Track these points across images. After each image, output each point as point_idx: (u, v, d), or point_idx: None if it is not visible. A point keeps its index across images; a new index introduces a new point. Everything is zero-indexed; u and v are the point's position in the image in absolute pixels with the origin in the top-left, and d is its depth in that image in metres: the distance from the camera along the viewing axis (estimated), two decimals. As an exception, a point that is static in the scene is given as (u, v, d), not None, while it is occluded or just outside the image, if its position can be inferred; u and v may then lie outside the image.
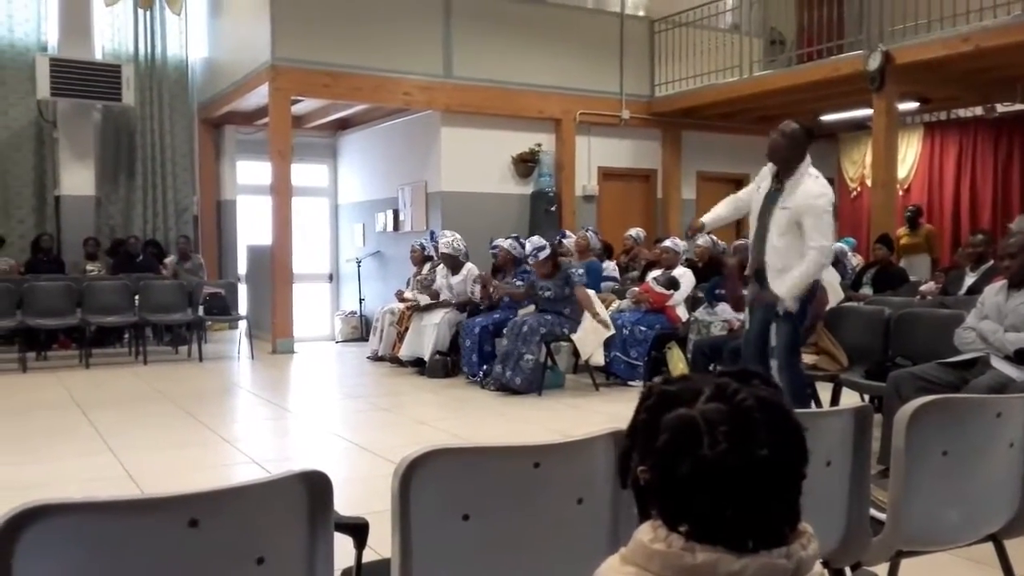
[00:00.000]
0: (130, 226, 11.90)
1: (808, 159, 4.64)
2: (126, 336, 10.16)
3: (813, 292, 4.76)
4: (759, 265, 4.71)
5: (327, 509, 1.69)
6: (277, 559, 1.63)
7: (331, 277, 12.99)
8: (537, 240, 7.67)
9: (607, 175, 11.67)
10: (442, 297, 8.61)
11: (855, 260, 9.40)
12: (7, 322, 8.68)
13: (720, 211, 5.14)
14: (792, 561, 1.04)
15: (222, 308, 10.11)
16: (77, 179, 11.32)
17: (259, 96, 10.39)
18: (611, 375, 7.60)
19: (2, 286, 8.90)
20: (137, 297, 9.36)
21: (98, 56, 11.44)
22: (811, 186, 4.54)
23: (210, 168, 12.55)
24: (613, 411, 6.13)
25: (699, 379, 1.13)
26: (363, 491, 3.89)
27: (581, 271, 7.54)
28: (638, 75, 11.76)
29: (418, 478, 1.73)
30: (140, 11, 11.88)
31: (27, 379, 8.19)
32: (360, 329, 11.45)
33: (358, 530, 1.92)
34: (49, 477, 4.58)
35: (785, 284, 4.56)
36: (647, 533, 1.06)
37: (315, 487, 1.67)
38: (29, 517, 1.39)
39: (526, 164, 10.90)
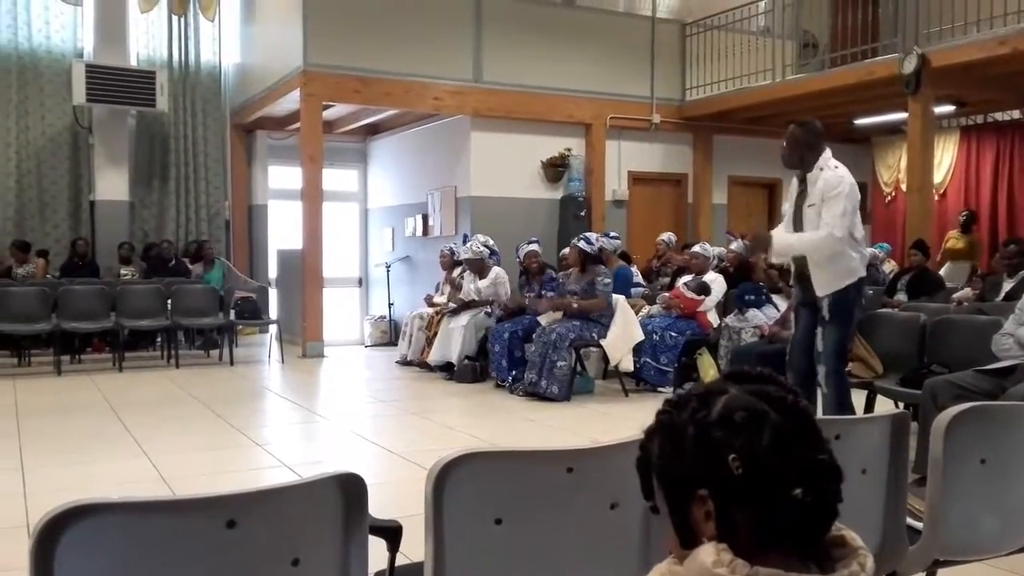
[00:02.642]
0: (163, 230, 12.04)
1: (825, 153, 4.65)
2: (158, 340, 10.28)
3: (858, 294, 4.73)
4: (801, 267, 4.69)
5: (362, 512, 1.70)
6: (312, 561, 1.64)
7: (361, 281, 13.06)
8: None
9: (637, 180, 11.64)
10: (471, 301, 8.63)
11: (889, 266, 9.29)
12: (43, 325, 8.81)
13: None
14: None
15: (253, 312, 10.21)
16: (112, 184, 11.48)
17: (291, 101, 10.48)
18: (641, 381, 7.56)
19: (38, 290, 9.04)
20: (169, 301, 9.46)
21: (133, 62, 11.60)
22: (829, 176, 4.57)
23: (242, 173, 12.68)
24: (643, 417, 6.04)
25: (720, 384, 1.13)
26: (393, 495, 3.90)
27: (608, 280, 7.50)
28: (669, 79, 11.71)
29: (452, 481, 1.73)
30: (174, 17, 12.04)
31: (62, 382, 8.31)
32: (389, 333, 11.50)
33: (392, 533, 1.92)
34: (84, 479, 4.63)
35: (781, 240, 4.58)
36: (710, 555, 1.02)
37: (350, 489, 1.68)
38: (70, 516, 1.41)
39: (556, 169, 10.89)
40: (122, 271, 10.86)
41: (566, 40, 10.92)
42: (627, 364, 7.28)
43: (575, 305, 7.29)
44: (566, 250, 8.70)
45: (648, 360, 7.36)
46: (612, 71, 11.20)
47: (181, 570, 1.51)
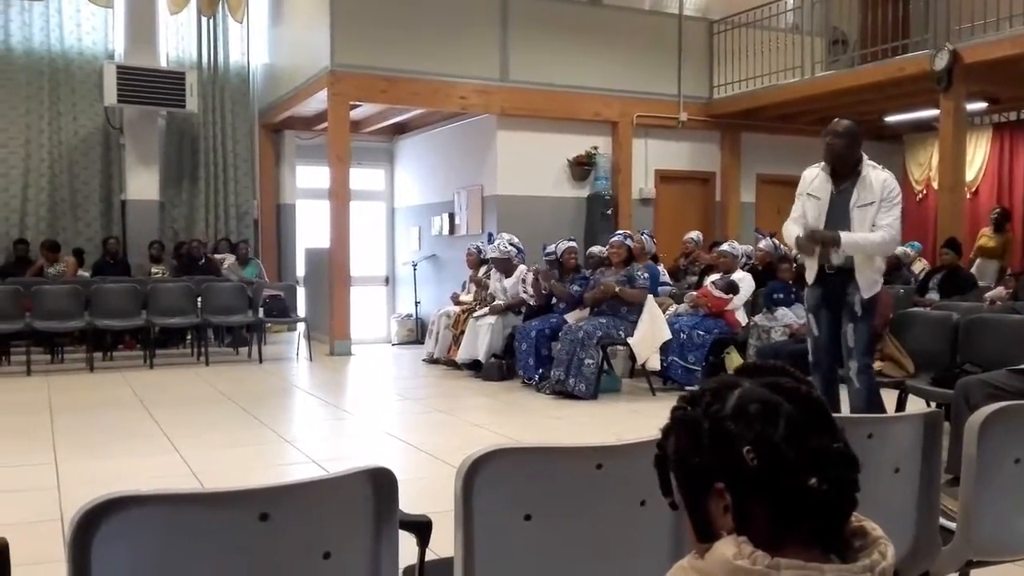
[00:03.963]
0: (193, 230, 12.17)
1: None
2: (188, 337, 10.39)
3: (877, 295, 4.68)
4: (826, 265, 4.65)
5: (392, 506, 1.71)
6: (343, 554, 1.65)
7: (388, 280, 13.11)
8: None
9: (664, 178, 11.59)
10: (497, 301, 8.64)
11: (920, 265, 9.19)
12: (76, 323, 8.94)
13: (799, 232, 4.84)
14: (875, 572, 1.03)
15: (281, 310, 10.28)
16: (142, 184, 11.62)
17: (318, 101, 10.55)
18: (668, 380, 7.53)
19: (71, 288, 9.17)
20: (200, 299, 9.56)
21: (163, 63, 11.73)
22: (886, 176, 4.55)
23: (270, 172, 12.78)
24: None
25: (733, 378, 1.13)
26: (420, 491, 3.92)
27: (647, 275, 7.48)
28: (696, 77, 11.65)
29: (481, 477, 1.73)
30: (203, 19, 12.16)
31: (94, 378, 8.42)
32: (416, 332, 11.54)
33: (422, 528, 1.93)
34: (116, 474, 4.69)
35: (851, 235, 4.49)
36: (730, 547, 1.02)
37: (380, 484, 1.69)
38: (107, 509, 1.43)
39: (582, 167, 10.88)
40: (153, 269, 10.99)
41: (592, 38, 10.89)
42: (654, 363, 7.25)
43: (617, 289, 7.29)
44: (595, 248, 8.70)
45: (675, 359, 7.33)
46: (639, 69, 11.16)
47: (215, 562, 1.53)
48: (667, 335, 7.21)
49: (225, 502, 1.52)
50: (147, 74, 11.11)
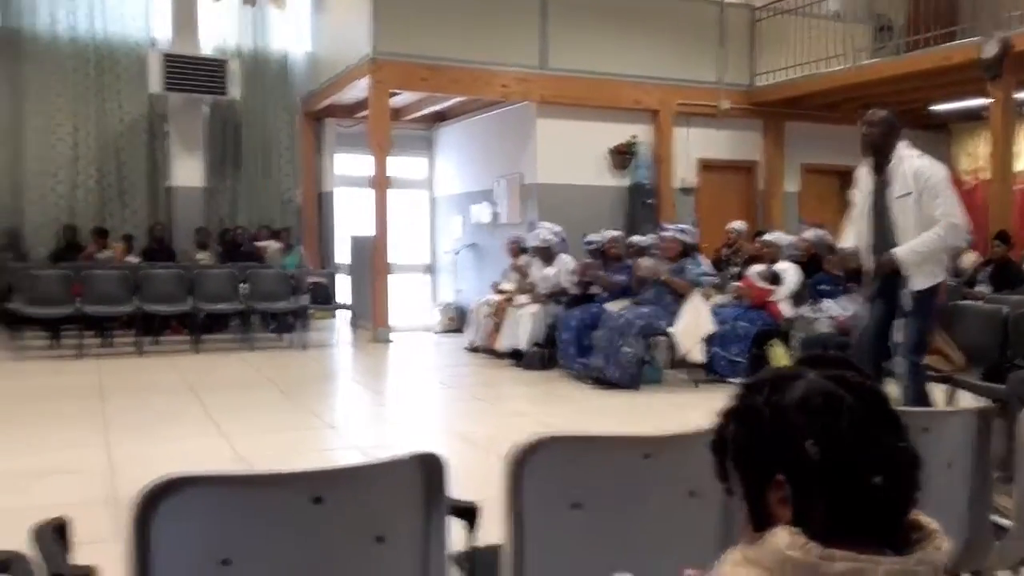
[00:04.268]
0: (237, 216, 12.34)
1: (903, 141, 4.52)
2: (234, 323, 10.54)
3: (936, 288, 4.60)
4: (887, 264, 4.57)
5: (441, 491, 1.73)
6: (395, 538, 1.68)
7: (429, 268, 13.18)
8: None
9: (706, 167, 11.48)
10: (538, 290, 8.65)
11: (970, 257, 9.02)
12: (125, 307, 9.12)
13: (857, 228, 4.82)
14: (930, 566, 1.02)
15: (324, 297, 10.39)
16: (187, 171, 11.78)
17: (359, 89, 10.60)
18: (711, 372, 7.47)
19: (120, 273, 9.36)
20: (244, 285, 9.70)
21: (205, 51, 11.86)
22: (921, 163, 4.45)
23: (311, 160, 12.89)
24: (715, 409, 5.98)
25: (796, 368, 1.12)
26: (463, 479, 3.94)
27: (698, 270, 7.44)
28: (738, 64, 11.51)
29: (530, 465, 1.74)
30: (245, 6, 12.28)
31: (142, 362, 8.58)
32: (457, 320, 11.58)
33: (470, 513, 1.95)
34: (166, 456, 4.78)
35: (906, 247, 4.41)
36: (784, 538, 1.02)
37: (430, 469, 1.71)
38: (167, 489, 1.46)
39: (623, 156, 10.82)
40: (198, 255, 11.15)
41: (633, 26, 10.81)
42: (697, 354, 7.20)
43: (664, 277, 7.27)
44: (635, 238, 8.65)
45: (718, 350, 7.26)
46: (679, 56, 11.06)
47: (269, 542, 1.56)
48: (710, 328, 7.15)
49: (280, 484, 1.55)
50: (190, 62, 11.25)
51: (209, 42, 12.11)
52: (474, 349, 9.40)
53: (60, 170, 11.57)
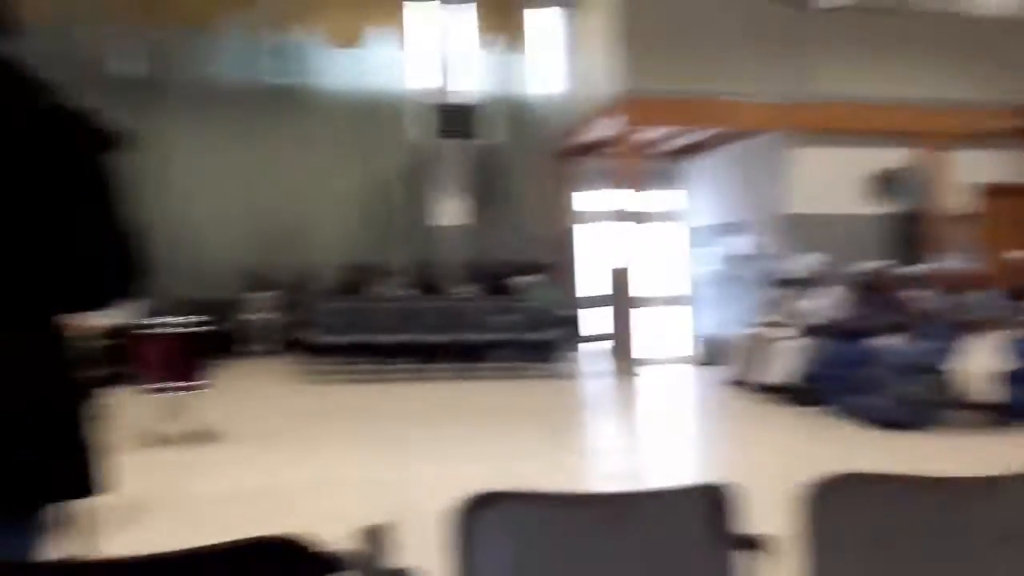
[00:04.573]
0: (495, 251, 13.00)
1: None
2: (494, 352, 11.02)
3: None
4: None
5: (728, 522, 1.74)
6: (679, 569, 1.71)
7: (686, 300, 13.10)
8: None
9: (989, 192, 10.54)
10: (803, 322, 8.33)
11: None
12: (401, 337, 9.90)
13: None
14: None
15: (575, 330, 10.63)
16: (450, 211, 12.60)
17: (607, 127, 10.82)
18: (1007, 412, 6.67)
19: (395, 306, 10.27)
20: (505, 317, 10.17)
21: (461, 98, 12.69)
22: None
23: (562, 197, 13.31)
24: (1018, 456, 5.45)
25: None
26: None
27: (985, 302, 6.89)
28: (1016, 81, 10.51)
29: (827, 502, 1.71)
30: (498, 52, 13.05)
31: (415, 388, 9.22)
32: (716, 353, 11.36)
33: (758, 546, 1.94)
34: (434, 476, 5.10)
35: None
36: None
37: (716, 500, 1.73)
38: (485, 502, 1.61)
39: (886, 183, 10.21)
40: (461, 289, 11.84)
41: (895, 46, 10.24)
42: (990, 394, 6.54)
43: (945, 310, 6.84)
44: (907, 268, 8.13)
45: (1018, 389, 6.51)
46: (945, 76, 10.29)
47: (572, 559, 1.65)
48: (1001, 364, 6.50)
49: (588, 505, 1.64)
50: (448, 109, 12.10)
51: (466, 88, 12.94)
52: (734, 383, 9.19)
53: (340, 212, 12.81)
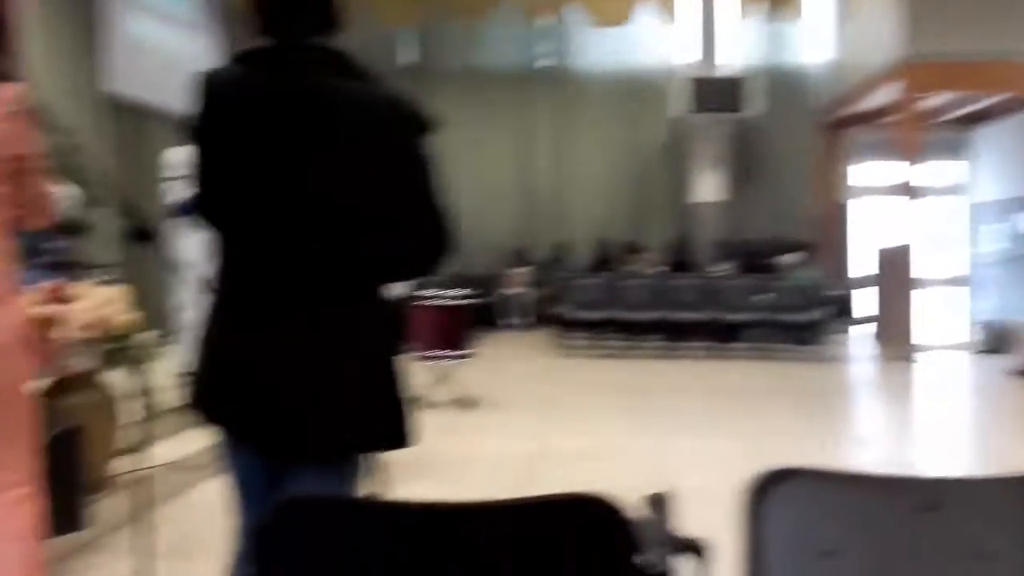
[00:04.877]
0: (754, 229, 12.59)
1: None
2: (750, 333, 10.73)
3: None
4: None
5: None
6: (995, 559, 1.61)
7: (965, 282, 12.05)
8: None
9: None
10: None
11: None
12: (652, 314, 9.90)
13: None
14: None
15: (842, 311, 10.10)
16: (707, 187, 12.35)
17: (884, 95, 10.10)
18: None
19: (648, 283, 10.26)
20: (763, 296, 9.86)
21: (725, 71, 12.32)
22: None
23: (828, 170, 12.63)
24: None
25: None
26: None
27: None
28: None
29: None
30: (763, 22, 12.53)
31: (666, 365, 9.20)
32: (998, 340, 10.36)
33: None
34: (690, 452, 5.08)
35: None
36: None
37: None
38: (775, 479, 1.59)
39: None
40: (718, 266, 11.62)
41: None
42: None
43: None
44: None
45: None
46: None
47: (869, 542, 1.60)
48: None
49: (886, 487, 1.58)
50: (710, 84, 11.81)
51: (729, 61, 12.55)
52: (1019, 373, 8.35)
53: (594, 190, 12.97)
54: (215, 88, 1.71)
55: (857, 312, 10.29)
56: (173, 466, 3.84)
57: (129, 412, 3.45)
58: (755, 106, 11.83)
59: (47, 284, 3.34)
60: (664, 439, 5.46)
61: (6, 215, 2.05)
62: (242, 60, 1.74)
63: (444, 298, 6.89)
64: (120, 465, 3.55)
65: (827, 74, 12.42)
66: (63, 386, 3.26)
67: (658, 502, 1.98)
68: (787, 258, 11.58)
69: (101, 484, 3.50)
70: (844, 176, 12.54)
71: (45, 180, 2.09)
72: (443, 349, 6.70)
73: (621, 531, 1.34)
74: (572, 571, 1.36)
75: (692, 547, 1.84)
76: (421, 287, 7.15)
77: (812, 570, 1.64)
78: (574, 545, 1.36)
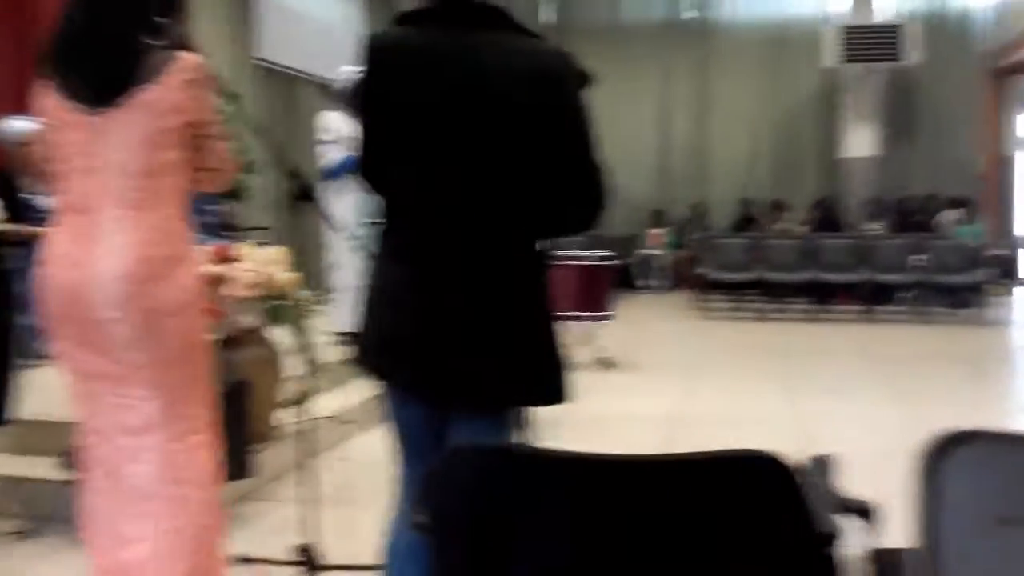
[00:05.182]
0: (911, 185, 11.94)
1: None
2: (906, 294, 10.23)
3: None
4: None
5: None
6: None
7: None
8: None
9: None
10: None
11: None
12: (799, 275, 9.56)
13: None
14: None
15: (1007, 271, 9.47)
16: (860, 141, 11.77)
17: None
18: None
19: (793, 243, 9.90)
20: (919, 256, 9.36)
21: (880, 18, 11.64)
22: None
23: (993, 121, 11.78)
24: None
25: None
26: None
27: None
28: None
29: None
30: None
31: (815, 328, 8.88)
32: None
33: None
34: (844, 416, 4.91)
35: None
36: None
37: None
38: (956, 441, 1.52)
39: None
40: (870, 226, 11.10)
41: None
42: None
43: None
44: None
45: None
46: None
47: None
48: None
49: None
50: (865, 31, 11.19)
51: (886, 8, 11.85)
52: None
53: (737, 147, 12.56)
54: (382, 50, 1.73)
55: (1023, 273, 9.60)
56: (333, 418, 4.02)
57: (291, 367, 3.63)
58: (914, 54, 11.13)
59: (214, 245, 3.54)
60: (812, 403, 5.30)
61: (185, 180, 2.17)
62: (406, 21, 1.76)
63: (585, 259, 6.86)
64: (283, 417, 3.75)
65: (993, 18, 11.58)
66: (232, 342, 3.45)
67: (823, 463, 1.93)
68: (946, 215, 10.93)
69: (267, 435, 3.70)
70: (1010, 127, 11.67)
71: (221, 146, 2.19)
72: (583, 310, 6.68)
73: (790, 490, 1.31)
74: (741, 528, 1.34)
75: (861, 509, 1.79)
76: (563, 247, 7.14)
77: (990, 537, 1.56)
78: (743, 502, 1.34)
